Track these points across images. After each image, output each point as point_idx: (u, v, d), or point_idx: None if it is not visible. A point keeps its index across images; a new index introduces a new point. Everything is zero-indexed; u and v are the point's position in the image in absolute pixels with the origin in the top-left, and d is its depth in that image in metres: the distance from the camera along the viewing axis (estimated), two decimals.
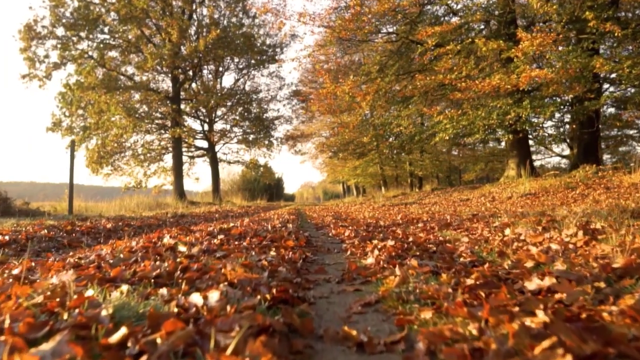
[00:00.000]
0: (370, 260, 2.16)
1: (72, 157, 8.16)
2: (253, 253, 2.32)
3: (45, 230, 4.00)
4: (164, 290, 1.36)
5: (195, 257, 2.15)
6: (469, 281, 1.52)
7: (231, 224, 4.38)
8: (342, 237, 3.75)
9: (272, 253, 2.38)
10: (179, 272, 1.68)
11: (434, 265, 2.14)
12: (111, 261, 2.02)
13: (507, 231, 3.48)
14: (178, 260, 2.00)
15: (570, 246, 2.54)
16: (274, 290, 1.41)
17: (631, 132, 26.22)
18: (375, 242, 3.11)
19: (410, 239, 3.52)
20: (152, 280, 1.57)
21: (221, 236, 3.11)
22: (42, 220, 5.20)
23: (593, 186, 11.99)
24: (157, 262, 1.84)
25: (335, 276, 1.95)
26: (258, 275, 1.61)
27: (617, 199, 9.03)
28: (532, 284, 1.51)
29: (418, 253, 2.49)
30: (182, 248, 2.45)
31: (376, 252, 2.31)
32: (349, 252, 2.75)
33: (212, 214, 9.94)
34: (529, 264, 2.08)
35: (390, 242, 2.93)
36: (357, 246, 2.93)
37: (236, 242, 2.82)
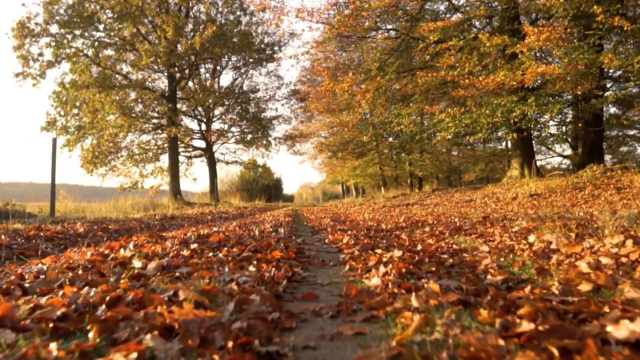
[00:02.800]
0: (375, 281, 1.66)
1: (54, 156, 7.67)
2: (226, 269, 1.83)
3: (3, 237, 3.50)
4: (52, 348, 0.87)
5: (146, 277, 1.66)
6: (525, 324, 1.02)
7: (214, 229, 3.88)
8: (340, 245, 3.25)
9: (251, 269, 1.89)
10: (104, 306, 1.19)
11: (456, 286, 1.65)
12: (27, 285, 1.52)
13: (532, 238, 2.98)
14: (122, 280, 1.52)
15: (624, 260, 2.05)
16: (231, 344, 0.92)
17: (632, 132, 25.89)
18: (379, 252, 2.61)
19: (419, 247, 3.03)
20: (52, 324, 1.07)
21: (195, 245, 2.61)
22: (7, 224, 4.70)
23: (602, 186, 11.57)
24: (85, 289, 1.35)
25: (329, 306, 1.44)
26: (216, 312, 1.12)
27: (632, 200, 8.56)
28: (621, 329, 1.01)
29: (433, 268, 1.99)
30: (137, 263, 1.95)
31: (382, 268, 1.81)
32: (347, 267, 2.24)
33: (205, 215, 9.45)
34: (585, 286, 1.58)
35: (396, 253, 2.43)
36: (357, 258, 2.44)
37: (210, 254, 2.32)
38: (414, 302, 1.27)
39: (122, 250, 2.32)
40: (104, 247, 2.59)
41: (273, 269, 1.83)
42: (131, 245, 2.58)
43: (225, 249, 2.49)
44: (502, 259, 2.37)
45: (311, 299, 1.55)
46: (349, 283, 1.78)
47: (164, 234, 3.79)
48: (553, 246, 2.60)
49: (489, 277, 1.90)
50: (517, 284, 1.78)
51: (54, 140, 7.80)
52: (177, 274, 1.70)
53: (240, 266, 1.96)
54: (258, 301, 1.28)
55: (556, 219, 4.43)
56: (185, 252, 2.30)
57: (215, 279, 1.58)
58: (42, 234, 3.79)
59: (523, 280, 1.86)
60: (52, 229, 4.20)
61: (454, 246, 3.04)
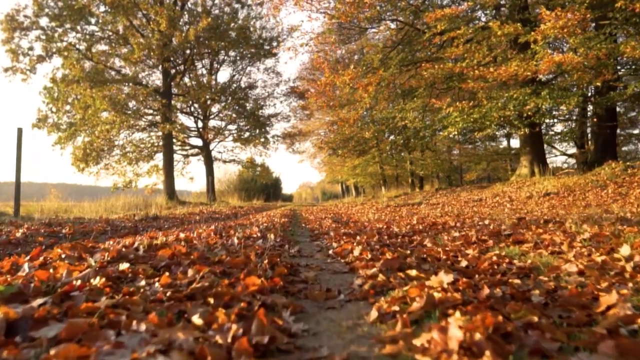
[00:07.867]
0: None
1: (19, 148, 6.77)
2: (143, 327, 0.92)
3: None
4: None
5: None
6: None
7: (182, 235, 2.96)
8: (350, 260, 2.32)
9: (196, 320, 0.98)
10: None
11: None
12: None
13: (625, 250, 2.07)
14: None
15: None
16: None
17: (636, 131, 25.17)
18: (413, 274, 1.70)
19: (463, 262, 2.11)
20: None
21: (126, 266, 1.67)
22: None
23: (625, 184, 10.73)
24: None
25: None
26: None
27: None
28: None
29: (535, 318, 1.09)
30: None
31: (455, 330, 0.88)
32: (374, 312, 1.25)
33: (193, 215, 8.54)
34: None
35: (444, 277, 1.52)
36: (384, 287, 1.53)
37: (143, 282, 1.41)
38: None
39: None
40: None
41: (234, 326, 0.92)
42: (26, 266, 1.68)
43: (169, 274, 1.54)
44: (624, 291, 1.45)
45: None
46: None
47: (108, 241, 2.87)
48: None
49: None
50: None
51: (19, 130, 6.88)
52: (22, 343, 0.80)
53: (177, 312, 1.06)
54: None
55: (615, 220, 3.52)
56: (98, 281, 1.38)
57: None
58: None
59: None
60: None
61: (514, 262, 2.12)
